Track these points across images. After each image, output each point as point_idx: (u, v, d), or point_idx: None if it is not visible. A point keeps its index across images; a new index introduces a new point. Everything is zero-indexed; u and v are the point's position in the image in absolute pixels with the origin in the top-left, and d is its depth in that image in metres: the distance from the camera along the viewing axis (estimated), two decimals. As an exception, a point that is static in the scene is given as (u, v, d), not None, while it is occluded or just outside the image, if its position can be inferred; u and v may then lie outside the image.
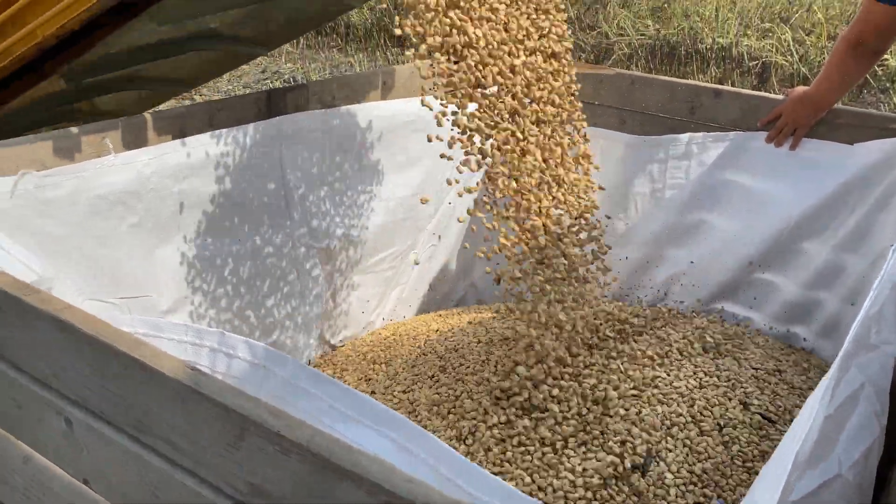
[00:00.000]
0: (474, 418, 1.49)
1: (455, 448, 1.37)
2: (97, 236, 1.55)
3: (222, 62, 2.14)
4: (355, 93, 2.03)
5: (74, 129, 1.55)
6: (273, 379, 0.92)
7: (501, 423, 1.45)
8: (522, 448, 1.40)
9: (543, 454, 1.38)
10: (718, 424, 1.44)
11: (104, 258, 1.58)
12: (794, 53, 5.73)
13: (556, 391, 1.47)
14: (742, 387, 1.55)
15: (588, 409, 1.44)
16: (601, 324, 1.70)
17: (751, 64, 5.77)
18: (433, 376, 1.70)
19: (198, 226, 1.75)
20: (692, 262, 2.10)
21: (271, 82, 6.10)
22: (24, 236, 1.40)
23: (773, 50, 5.79)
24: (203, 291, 1.80)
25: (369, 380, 1.82)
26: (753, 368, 1.63)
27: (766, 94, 2.08)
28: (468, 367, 1.68)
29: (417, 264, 2.17)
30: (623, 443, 1.38)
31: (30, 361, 0.94)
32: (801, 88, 1.96)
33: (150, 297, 1.70)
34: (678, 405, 1.46)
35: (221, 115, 1.75)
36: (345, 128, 1.98)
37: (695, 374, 1.57)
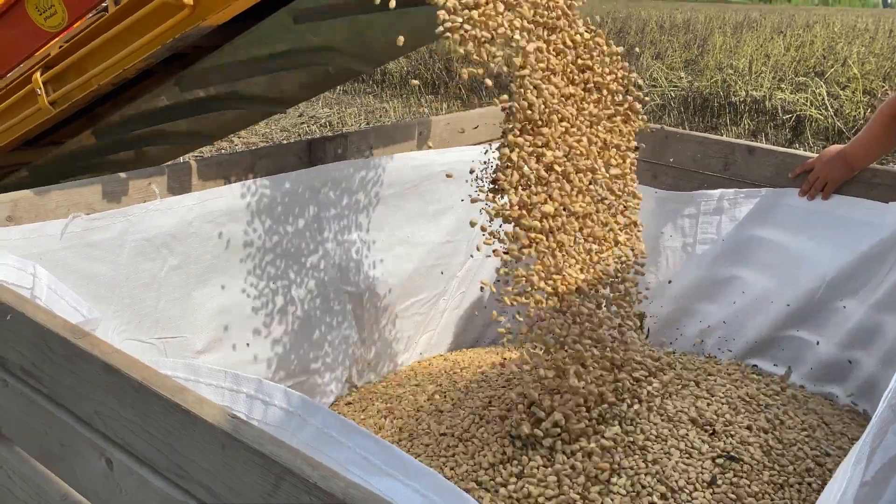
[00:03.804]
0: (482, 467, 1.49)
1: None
2: (141, 277, 1.60)
3: (319, 82, 2.20)
4: (392, 143, 2.09)
5: (122, 174, 1.62)
6: (307, 428, 0.94)
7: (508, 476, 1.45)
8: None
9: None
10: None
11: (145, 299, 1.63)
12: (829, 107, 5.72)
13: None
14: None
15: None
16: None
17: (785, 117, 5.78)
18: (444, 422, 1.70)
19: (234, 269, 1.79)
20: (724, 318, 2.09)
21: (308, 126, 6.25)
22: (72, 277, 1.46)
23: (808, 103, 5.79)
24: (236, 333, 1.84)
25: (379, 425, 1.83)
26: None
27: (800, 152, 2.09)
28: (482, 412, 1.68)
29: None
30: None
31: (75, 401, 0.97)
32: (837, 146, 1.97)
33: (185, 337, 1.74)
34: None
35: (263, 163, 1.81)
36: (380, 176, 2.03)
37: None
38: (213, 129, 2.28)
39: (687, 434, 1.50)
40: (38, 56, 1.89)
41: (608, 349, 1.59)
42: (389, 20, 1.73)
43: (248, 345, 1.86)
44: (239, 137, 5.60)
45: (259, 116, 2.45)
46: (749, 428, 1.56)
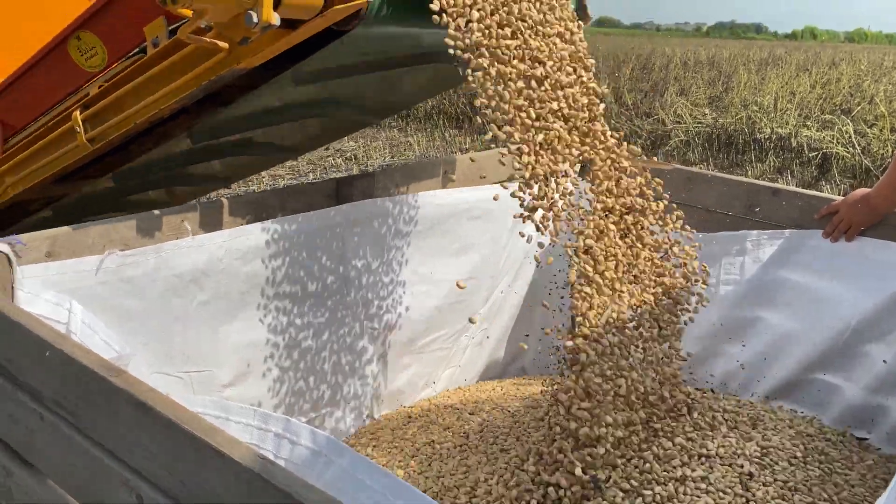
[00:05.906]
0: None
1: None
2: (171, 312, 1.64)
3: (332, 131, 2.26)
4: (417, 181, 2.12)
5: (156, 212, 1.66)
6: (333, 468, 0.96)
7: None
8: None
9: None
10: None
11: (175, 333, 1.66)
12: (856, 145, 5.68)
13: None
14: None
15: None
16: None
17: (811, 154, 5.74)
18: (460, 458, 1.70)
19: (261, 305, 1.82)
20: (748, 359, 2.07)
21: (333, 159, 6.34)
22: (106, 311, 1.49)
23: (834, 141, 5.76)
24: (261, 367, 1.87)
25: (400, 460, 1.84)
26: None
27: (825, 194, 2.09)
28: (501, 447, 1.68)
29: (473, 323, 2.19)
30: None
31: (108, 437, 1.00)
32: (863, 189, 1.97)
33: (212, 371, 1.77)
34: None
35: (293, 201, 1.85)
36: (405, 214, 2.06)
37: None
38: (230, 172, 2.35)
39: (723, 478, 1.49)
40: (78, 95, 1.97)
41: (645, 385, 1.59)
42: (397, 76, 1.78)
43: (273, 379, 1.89)
44: (266, 170, 5.69)
45: (275, 161, 2.52)
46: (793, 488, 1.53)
